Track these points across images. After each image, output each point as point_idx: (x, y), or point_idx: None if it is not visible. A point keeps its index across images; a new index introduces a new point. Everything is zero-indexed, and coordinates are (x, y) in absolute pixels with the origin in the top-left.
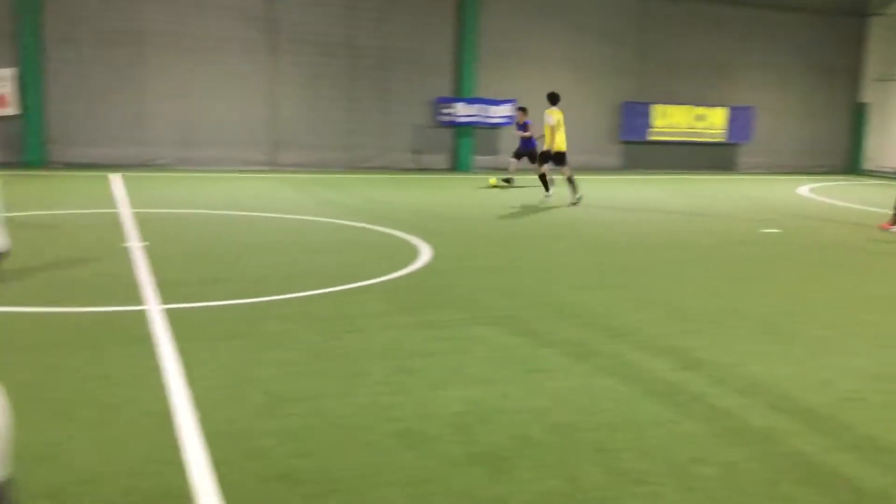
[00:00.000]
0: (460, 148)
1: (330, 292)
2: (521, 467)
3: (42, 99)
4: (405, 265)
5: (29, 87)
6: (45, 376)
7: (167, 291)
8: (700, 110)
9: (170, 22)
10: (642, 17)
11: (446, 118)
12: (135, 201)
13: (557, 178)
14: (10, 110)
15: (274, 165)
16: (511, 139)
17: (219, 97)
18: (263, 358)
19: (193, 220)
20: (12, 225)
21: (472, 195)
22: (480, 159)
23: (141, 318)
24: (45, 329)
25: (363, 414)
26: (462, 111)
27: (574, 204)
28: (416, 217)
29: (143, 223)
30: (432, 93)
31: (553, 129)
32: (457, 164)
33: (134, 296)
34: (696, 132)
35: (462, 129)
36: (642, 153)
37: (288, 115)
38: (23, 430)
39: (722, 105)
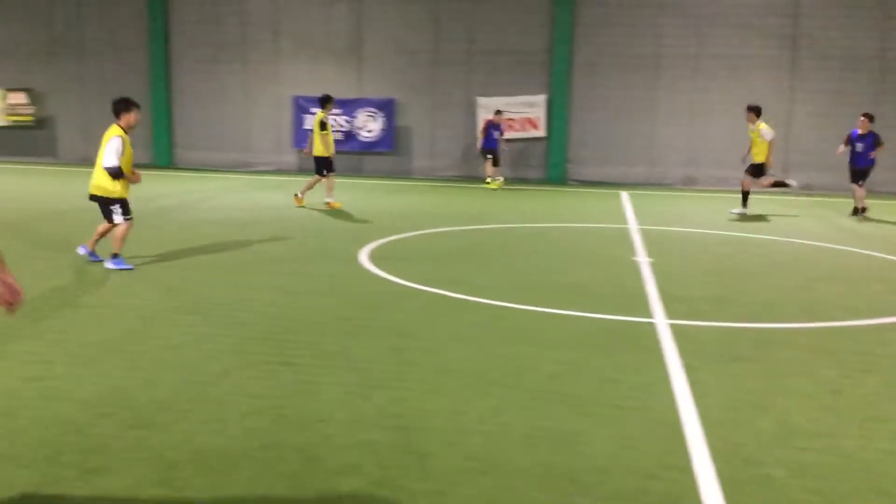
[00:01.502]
0: None
1: (846, 326)
2: None
3: (566, 122)
4: None
5: (556, 111)
6: (568, 372)
7: (673, 307)
8: None
9: (688, 45)
10: None
11: None
12: (641, 218)
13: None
14: (539, 133)
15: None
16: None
17: (726, 117)
18: (775, 386)
19: (696, 238)
20: (537, 233)
21: None
22: None
23: (649, 330)
24: (567, 329)
25: (887, 461)
26: None
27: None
28: None
29: (649, 239)
30: None
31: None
32: None
33: (642, 308)
34: None
35: None
36: None
37: (801, 135)
38: (549, 417)
39: None
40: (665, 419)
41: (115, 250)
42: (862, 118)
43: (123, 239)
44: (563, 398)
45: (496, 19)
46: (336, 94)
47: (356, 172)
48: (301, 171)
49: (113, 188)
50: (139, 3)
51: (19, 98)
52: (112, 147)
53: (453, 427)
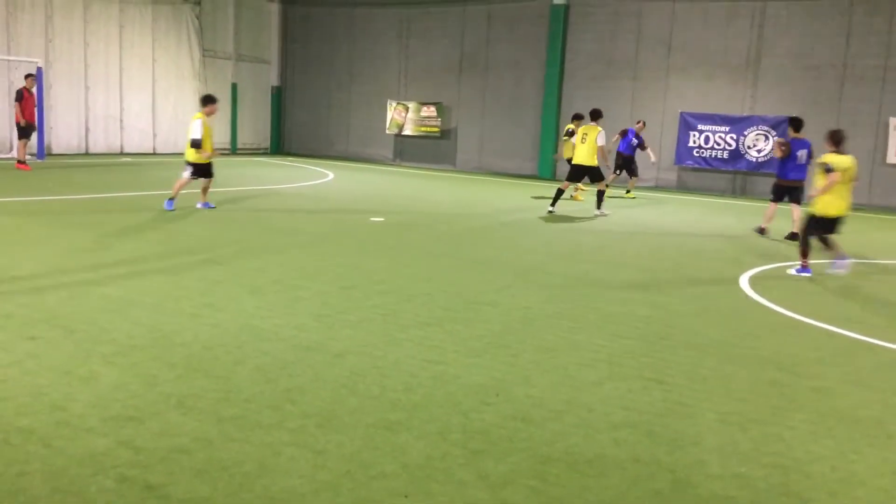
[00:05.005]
0: None
1: None
2: None
3: None
4: None
5: None
6: None
7: None
8: None
9: None
10: None
11: None
12: None
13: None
14: None
15: None
16: None
17: None
18: None
19: None
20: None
21: None
22: None
23: None
24: None
25: None
26: None
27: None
28: None
29: None
30: None
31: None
32: None
33: None
34: None
35: None
36: None
37: None
38: None
39: None
40: None
41: (171, 194)
42: None
43: (181, 188)
44: None
45: None
46: (724, 112)
47: (740, 193)
48: (680, 188)
49: (192, 156)
50: (542, 24)
51: (430, 111)
52: (195, 126)
53: (840, 476)
